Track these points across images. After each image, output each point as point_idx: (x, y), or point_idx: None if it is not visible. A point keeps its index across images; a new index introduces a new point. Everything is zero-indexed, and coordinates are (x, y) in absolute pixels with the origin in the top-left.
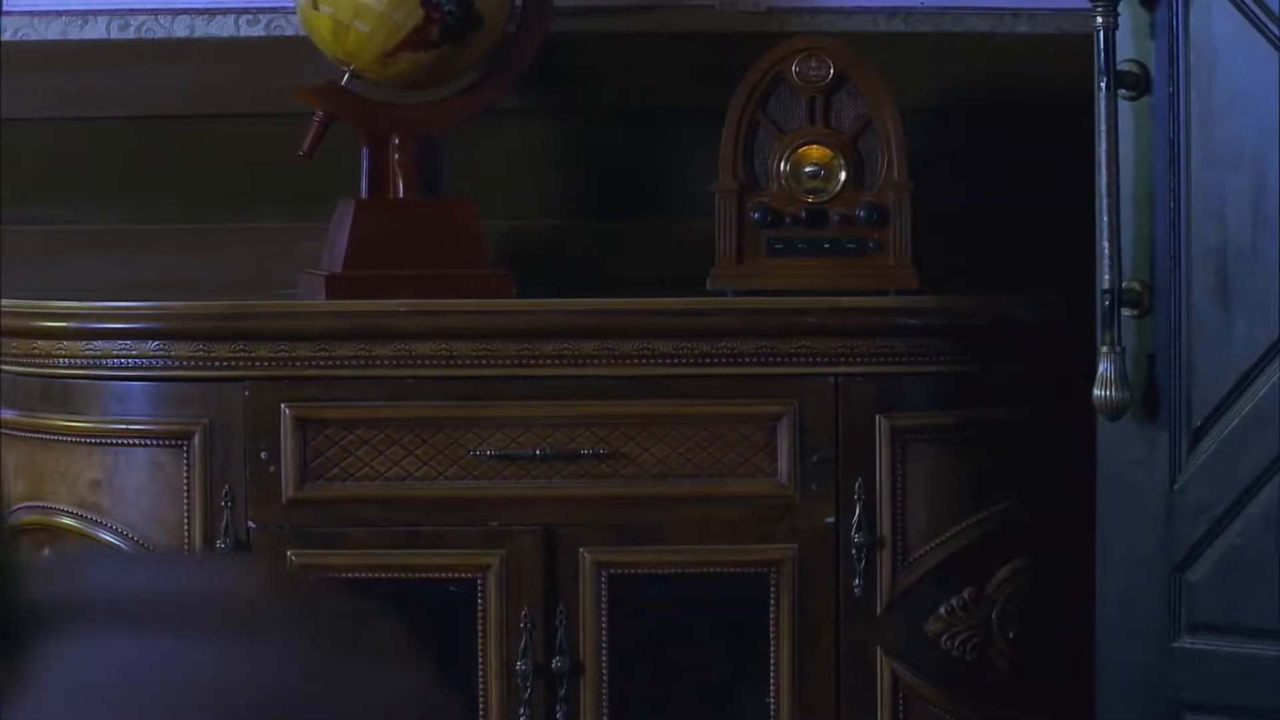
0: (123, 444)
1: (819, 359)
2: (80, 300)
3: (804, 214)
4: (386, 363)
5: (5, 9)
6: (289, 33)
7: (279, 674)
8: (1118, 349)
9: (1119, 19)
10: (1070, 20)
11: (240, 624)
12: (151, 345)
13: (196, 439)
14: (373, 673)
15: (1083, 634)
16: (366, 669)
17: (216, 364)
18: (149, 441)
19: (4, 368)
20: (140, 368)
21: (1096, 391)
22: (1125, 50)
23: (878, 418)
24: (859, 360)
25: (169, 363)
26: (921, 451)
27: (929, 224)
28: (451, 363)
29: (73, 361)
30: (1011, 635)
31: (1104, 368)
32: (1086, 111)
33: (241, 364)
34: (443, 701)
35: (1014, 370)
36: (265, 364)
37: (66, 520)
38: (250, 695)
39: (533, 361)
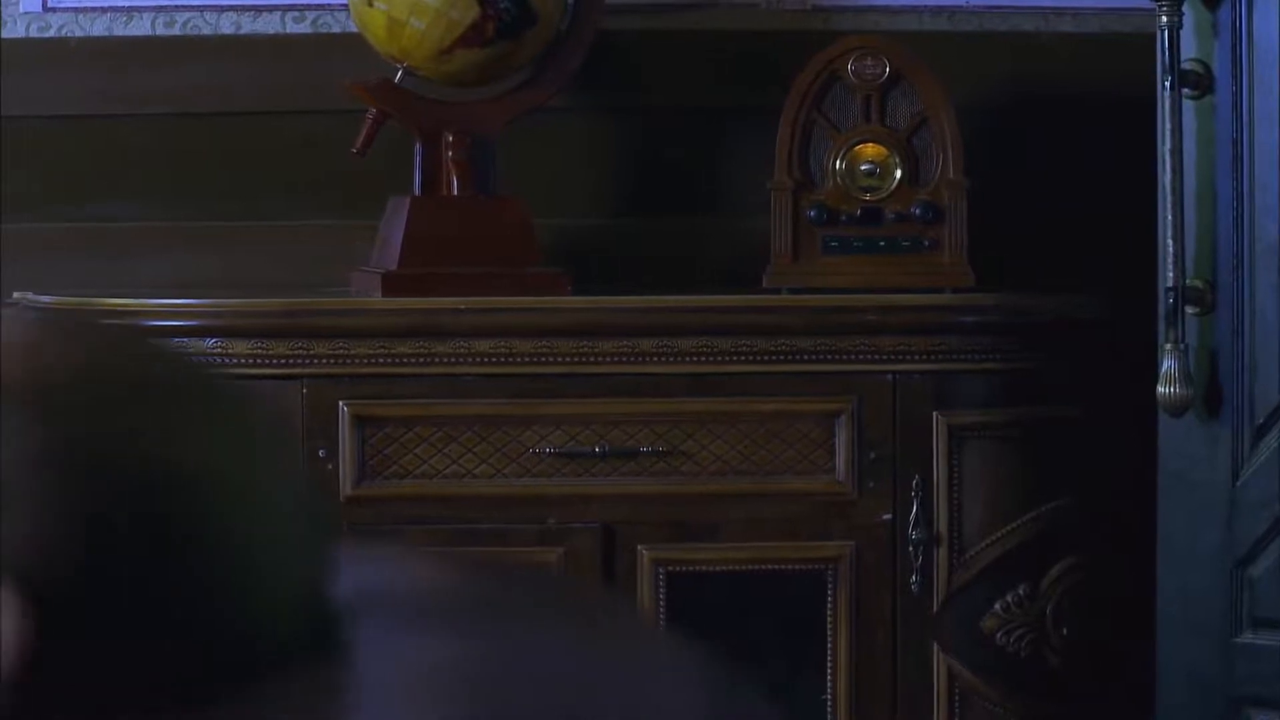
0: None
1: (877, 356)
2: (134, 298)
3: (859, 212)
4: (445, 360)
5: (50, 6)
6: (336, 30)
7: (539, 660)
8: (1181, 346)
9: (1183, 18)
10: (1115, 20)
11: (490, 615)
12: (209, 343)
13: None
14: (629, 653)
15: (1135, 630)
16: (626, 650)
17: (274, 362)
18: None
19: None
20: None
21: (1160, 388)
22: (1188, 49)
23: (934, 415)
24: (916, 358)
25: (226, 360)
26: (977, 449)
27: (975, 221)
28: (510, 360)
29: None
30: (1065, 632)
31: (1168, 365)
32: (1134, 110)
33: (299, 362)
34: (702, 670)
35: (1069, 368)
36: (323, 362)
37: None
38: (526, 683)
39: (591, 359)
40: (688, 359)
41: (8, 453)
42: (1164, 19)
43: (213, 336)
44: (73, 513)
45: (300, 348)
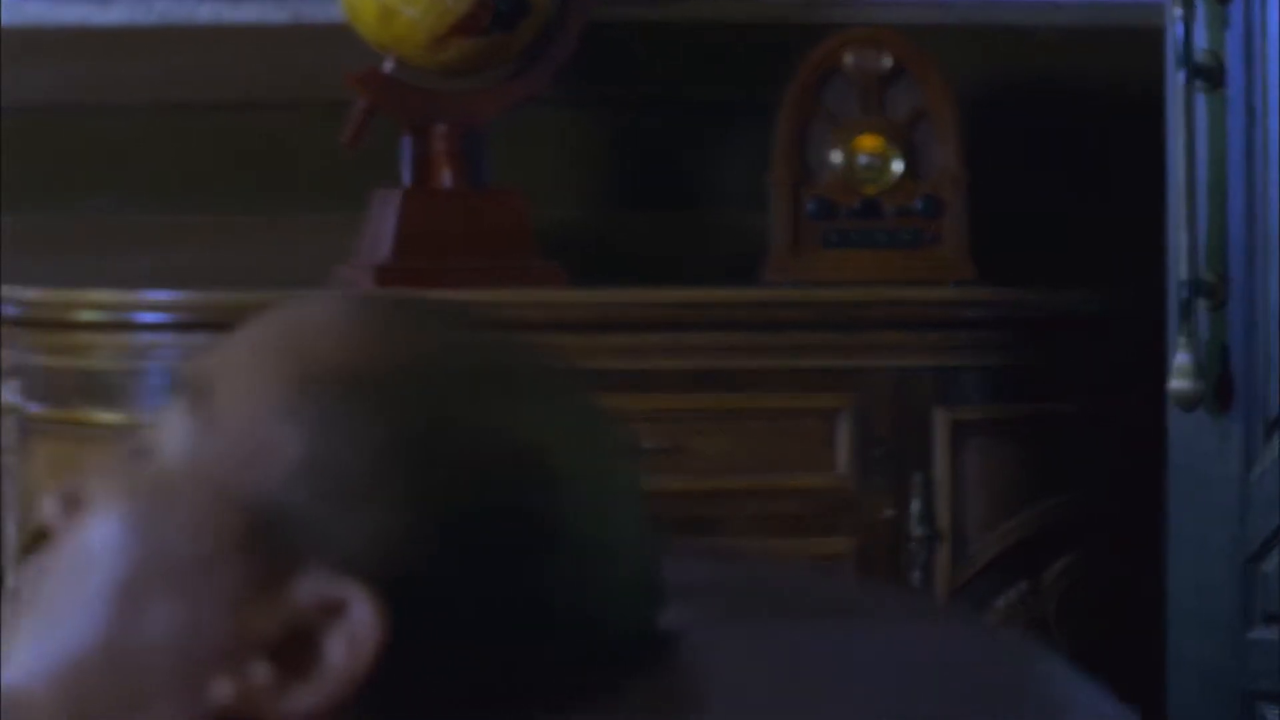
0: None
1: (879, 351)
2: (123, 291)
3: (859, 205)
4: None
5: None
6: (316, 19)
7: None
8: (1194, 340)
9: (1196, 10)
10: (1104, 13)
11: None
12: (201, 338)
13: None
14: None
15: (1138, 627)
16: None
17: None
18: None
19: (36, 360)
20: (186, 360)
21: (1172, 383)
22: (1199, 42)
23: (937, 410)
24: (918, 353)
25: None
26: (979, 444)
27: (975, 215)
28: None
29: (115, 354)
30: (1067, 628)
31: (1180, 359)
32: (1132, 102)
33: None
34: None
35: (1072, 363)
36: None
37: None
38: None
39: (595, 354)
40: (691, 354)
41: (350, 446)
42: (1177, 10)
43: (204, 332)
44: (420, 507)
45: None
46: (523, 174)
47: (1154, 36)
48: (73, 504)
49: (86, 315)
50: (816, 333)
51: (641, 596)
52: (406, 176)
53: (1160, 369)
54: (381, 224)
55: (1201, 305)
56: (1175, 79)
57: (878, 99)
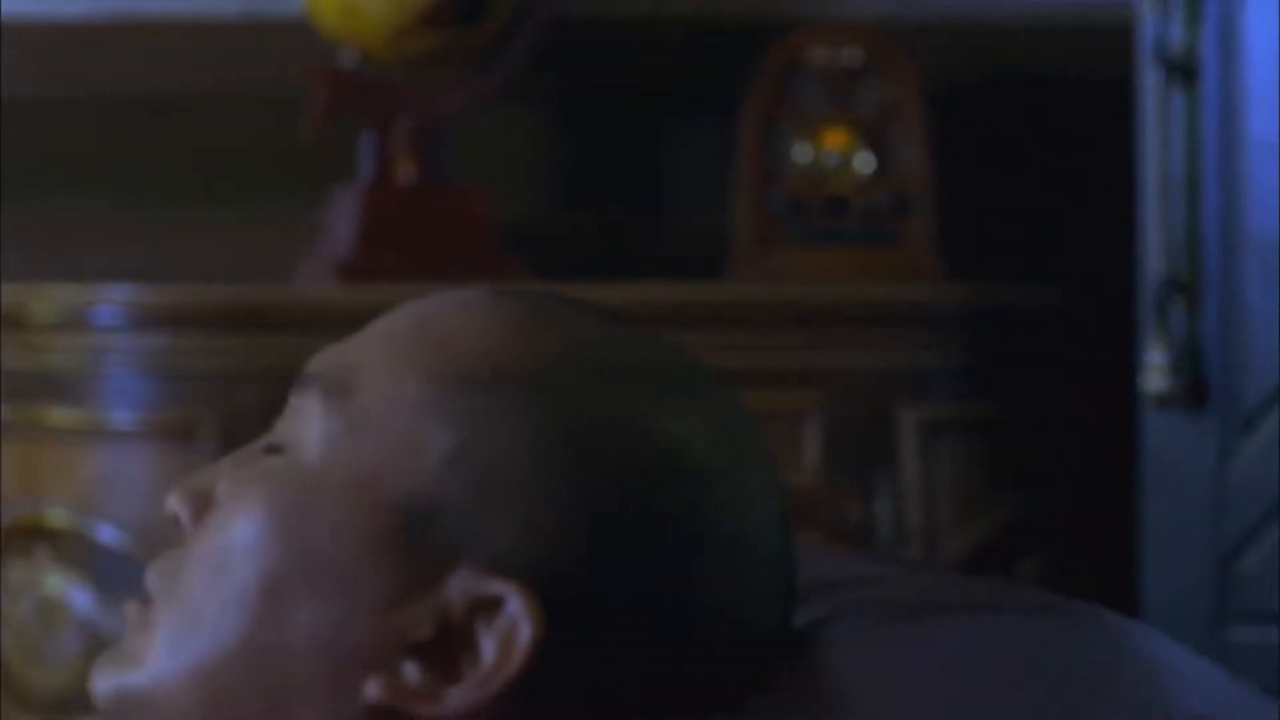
0: (126, 439)
1: (847, 350)
2: (80, 286)
3: (825, 203)
4: None
5: None
6: (275, 12)
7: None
8: (1168, 338)
9: (1169, 3)
10: (1079, 8)
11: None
12: (158, 335)
13: (205, 434)
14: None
15: None
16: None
17: (228, 355)
18: (155, 436)
19: None
20: (146, 358)
21: (1146, 381)
22: (1174, 36)
23: (905, 409)
24: (886, 351)
25: (177, 353)
26: (948, 444)
27: (943, 212)
28: None
29: (73, 352)
30: None
31: (1154, 356)
32: (1103, 99)
33: (255, 355)
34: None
35: (1041, 361)
36: (280, 355)
37: (61, 519)
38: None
39: None
40: None
41: (499, 443)
42: (1151, 4)
43: (163, 328)
44: (570, 504)
45: (255, 340)
46: (486, 170)
47: (1127, 31)
48: (203, 502)
49: (43, 311)
50: (783, 331)
51: (780, 594)
52: (368, 172)
53: (1132, 366)
54: (343, 220)
55: (1176, 303)
56: (1149, 75)
57: (845, 95)
